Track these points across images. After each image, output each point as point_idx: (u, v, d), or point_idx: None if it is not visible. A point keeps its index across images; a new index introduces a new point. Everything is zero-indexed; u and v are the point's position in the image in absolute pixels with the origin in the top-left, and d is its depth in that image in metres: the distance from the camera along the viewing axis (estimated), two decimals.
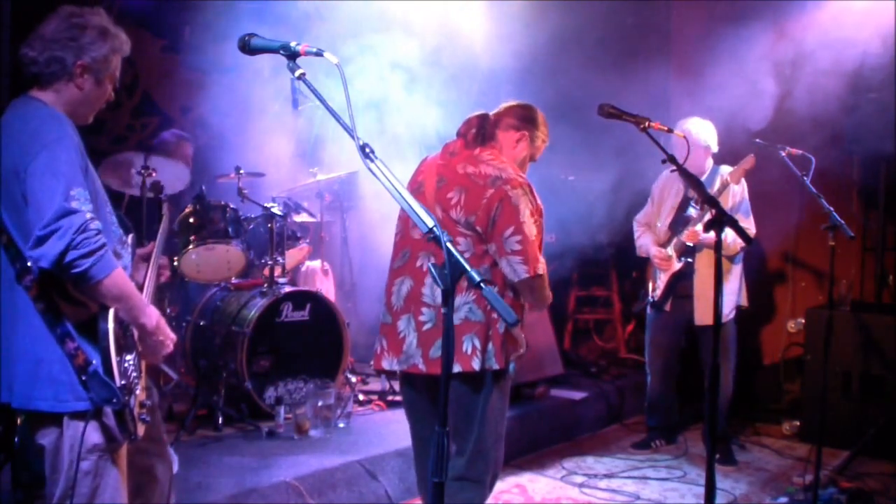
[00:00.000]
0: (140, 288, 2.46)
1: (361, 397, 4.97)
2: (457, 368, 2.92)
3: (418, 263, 3.06)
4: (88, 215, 2.14)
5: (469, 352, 2.93)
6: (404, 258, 3.12)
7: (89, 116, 2.45)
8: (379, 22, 6.18)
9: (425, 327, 2.99)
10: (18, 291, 2.23)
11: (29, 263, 2.19)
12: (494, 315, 2.92)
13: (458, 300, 2.94)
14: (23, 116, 2.28)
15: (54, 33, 2.31)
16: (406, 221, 3.15)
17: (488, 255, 2.98)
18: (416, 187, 3.14)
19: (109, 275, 2.17)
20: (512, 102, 3.27)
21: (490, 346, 2.94)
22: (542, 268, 2.95)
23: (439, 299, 2.93)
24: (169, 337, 2.42)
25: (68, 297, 2.24)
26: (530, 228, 2.94)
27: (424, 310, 3.00)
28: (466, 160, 3.06)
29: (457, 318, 2.94)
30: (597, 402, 5.61)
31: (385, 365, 3.10)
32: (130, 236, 2.53)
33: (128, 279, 2.28)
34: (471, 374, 2.93)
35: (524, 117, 3.21)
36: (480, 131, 3.13)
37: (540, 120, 3.24)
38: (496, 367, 2.93)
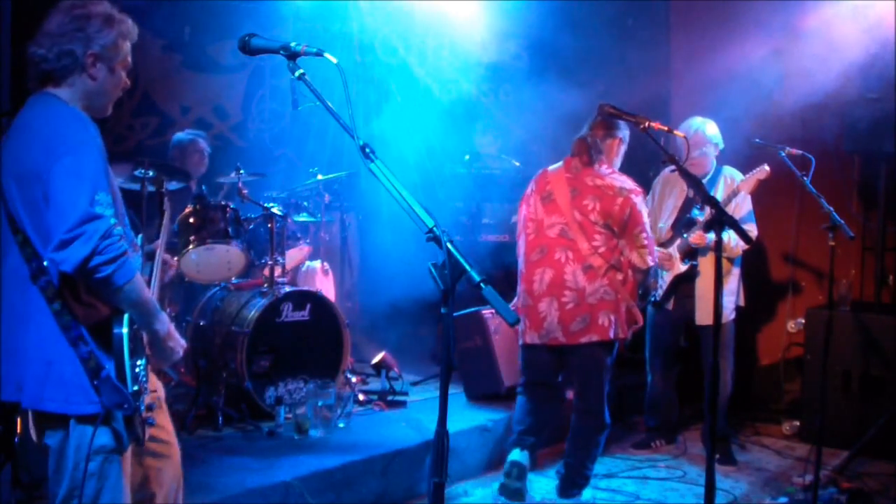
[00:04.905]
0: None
1: (361, 397, 4.97)
2: (594, 338, 3.83)
3: (556, 256, 3.89)
4: (112, 220, 2.14)
5: (606, 324, 3.83)
6: (542, 252, 3.94)
7: (108, 107, 2.43)
8: (380, 22, 6.20)
9: (568, 306, 3.84)
10: (32, 291, 2.21)
11: (45, 264, 2.18)
12: (620, 295, 3.84)
13: (596, 284, 3.82)
14: (44, 116, 2.25)
15: (60, 27, 2.27)
16: (540, 223, 3.97)
17: (618, 248, 3.87)
18: (545, 195, 4.00)
19: (130, 281, 2.16)
20: (596, 118, 3.99)
21: (618, 319, 3.85)
22: (656, 257, 4.01)
23: (581, 283, 3.84)
24: (179, 343, 2.41)
25: (80, 299, 2.23)
26: (649, 227, 3.92)
27: (567, 292, 3.83)
28: (593, 175, 3.91)
29: (594, 299, 3.82)
30: None
31: (528, 339, 3.97)
32: (140, 237, 2.53)
33: (144, 285, 2.27)
34: (607, 341, 3.85)
35: (610, 126, 4.00)
36: (591, 150, 3.95)
37: (620, 123, 3.99)
38: (621, 335, 3.89)
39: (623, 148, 4.09)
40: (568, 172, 3.99)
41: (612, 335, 3.84)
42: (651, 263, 3.89)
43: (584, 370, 3.97)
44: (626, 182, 3.91)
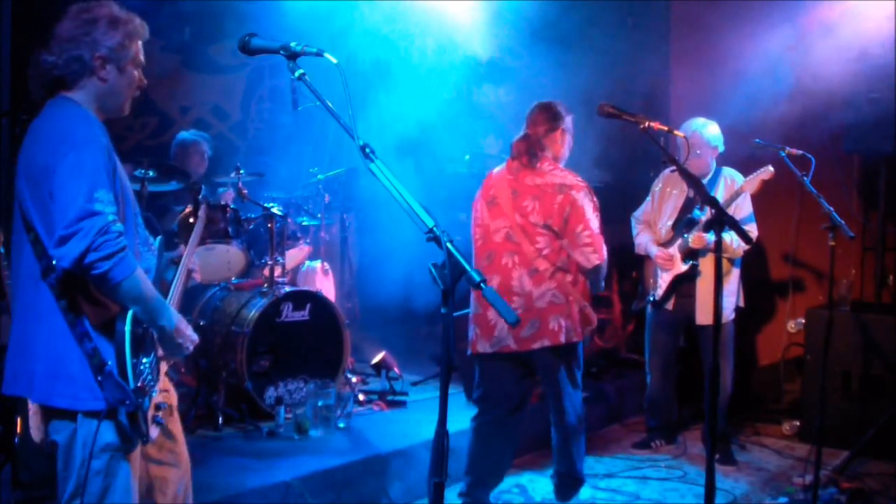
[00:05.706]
0: (166, 290, 2.46)
1: (361, 397, 4.97)
2: (546, 343, 3.63)
3: (503, 261, 3.71)
4: (111, 217, 2.15)
5: (556, 329, 3.63)
6: (490, 259, 3.74)
7: (124, 106, 2.45)
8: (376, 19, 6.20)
9: (517, 312, 3.47)
10: (43, 288, 2.24)
11: (54, 261, 2.20)
12: (570, 298, 3.64)
13: (543, 288, 3.62)
14: (55, 117, 2.29)
15: (69, 32, 2.32)
16: (486, 228, 3.78)
17: (563, 249, 3.65)
18: (489, 199, 3.79)
19: (129, 276, 2.17)
20: (533, 112, 3.79)
21: (570, 322, 3.64)
22: (605, 254, 3.66)
23: (527, 287, 3.64)
24: (189, 339, 2.43)
25: (90, 296, 2.25)
26: (595, 223, 3.65)
27: (515, 298, 3.62)
28: (533, 174, 3.69)
29: (542, 303, 3.63)
30: (597, 402, 5.61)
31: (479, 349, 3.76)
32: (158, 239, 2.53)
33: (147, 281, 2.28)
34: (559, 346, 3.65)
35: (551, 116, 3.76)
36: (531, 149, 3.71)
37: (562, 110, 3.78)
38: (575, 339, 3.67)
39: (568, 138, 3.82)
40: (510, 174, 3.77)
41: (563, 339, 3.63)
42: (597, 262, 3.63)
43: (543, 376, 3.82)
44: (568, 178, 3.66)
